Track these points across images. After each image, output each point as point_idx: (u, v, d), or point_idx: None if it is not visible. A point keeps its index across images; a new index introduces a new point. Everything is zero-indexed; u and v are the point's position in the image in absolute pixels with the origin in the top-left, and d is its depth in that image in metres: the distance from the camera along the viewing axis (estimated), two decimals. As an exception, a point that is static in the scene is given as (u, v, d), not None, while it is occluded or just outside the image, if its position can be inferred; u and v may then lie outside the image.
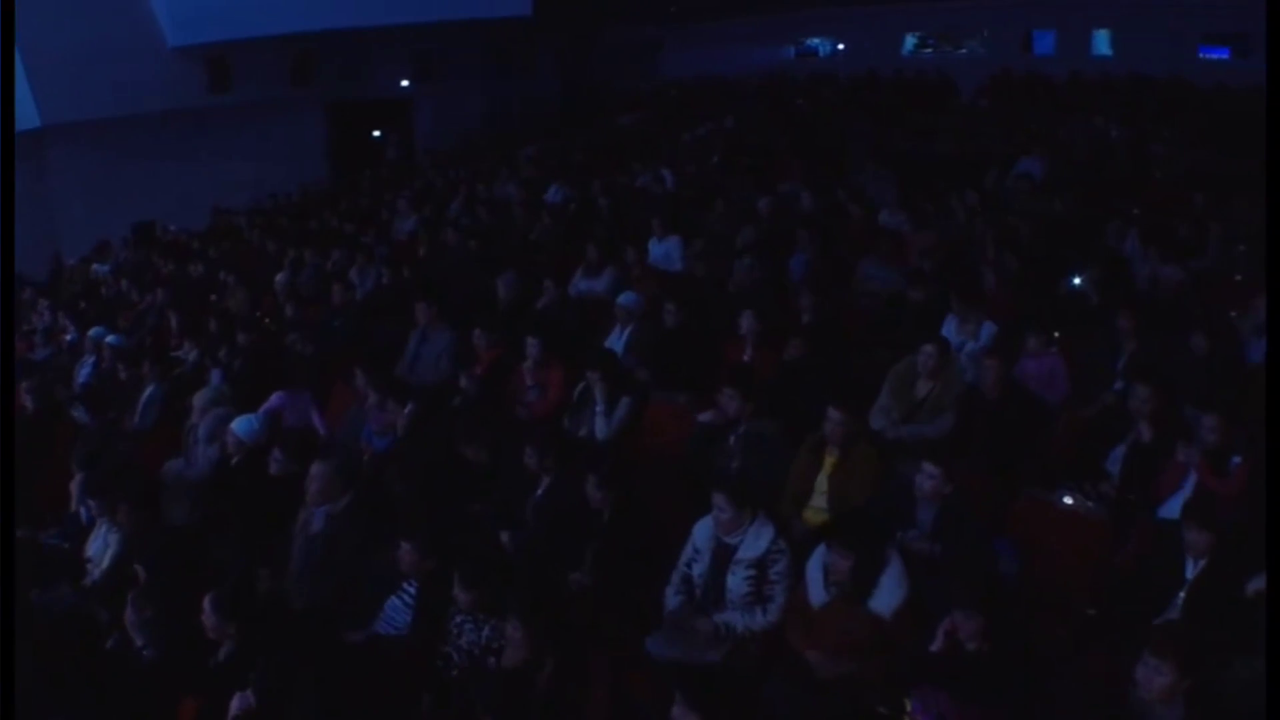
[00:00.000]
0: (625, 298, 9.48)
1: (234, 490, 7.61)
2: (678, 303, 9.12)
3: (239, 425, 7.90)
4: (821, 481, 6.80)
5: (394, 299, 11.71)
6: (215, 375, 10.27)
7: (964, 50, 24.34)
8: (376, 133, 27.15)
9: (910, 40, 24.69)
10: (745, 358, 8.64)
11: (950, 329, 8.88)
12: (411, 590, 5.92)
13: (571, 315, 10.25)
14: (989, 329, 8.82)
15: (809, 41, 26.53)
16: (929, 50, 24.65)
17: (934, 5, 23.27)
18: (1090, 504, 6.72)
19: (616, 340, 9.38)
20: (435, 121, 26.96)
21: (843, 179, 14.25)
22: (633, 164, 16.97)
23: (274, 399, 8.86)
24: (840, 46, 25.93)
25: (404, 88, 26.80)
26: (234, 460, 7.90)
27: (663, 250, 12.25)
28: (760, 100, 22.66)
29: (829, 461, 6.79)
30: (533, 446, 6.73)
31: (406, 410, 7.96)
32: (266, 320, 12.42)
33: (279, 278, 13.09)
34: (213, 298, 13.88)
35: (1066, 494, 6.81)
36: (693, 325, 9.18)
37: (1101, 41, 22.30)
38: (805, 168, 15.13)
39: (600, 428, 7.85)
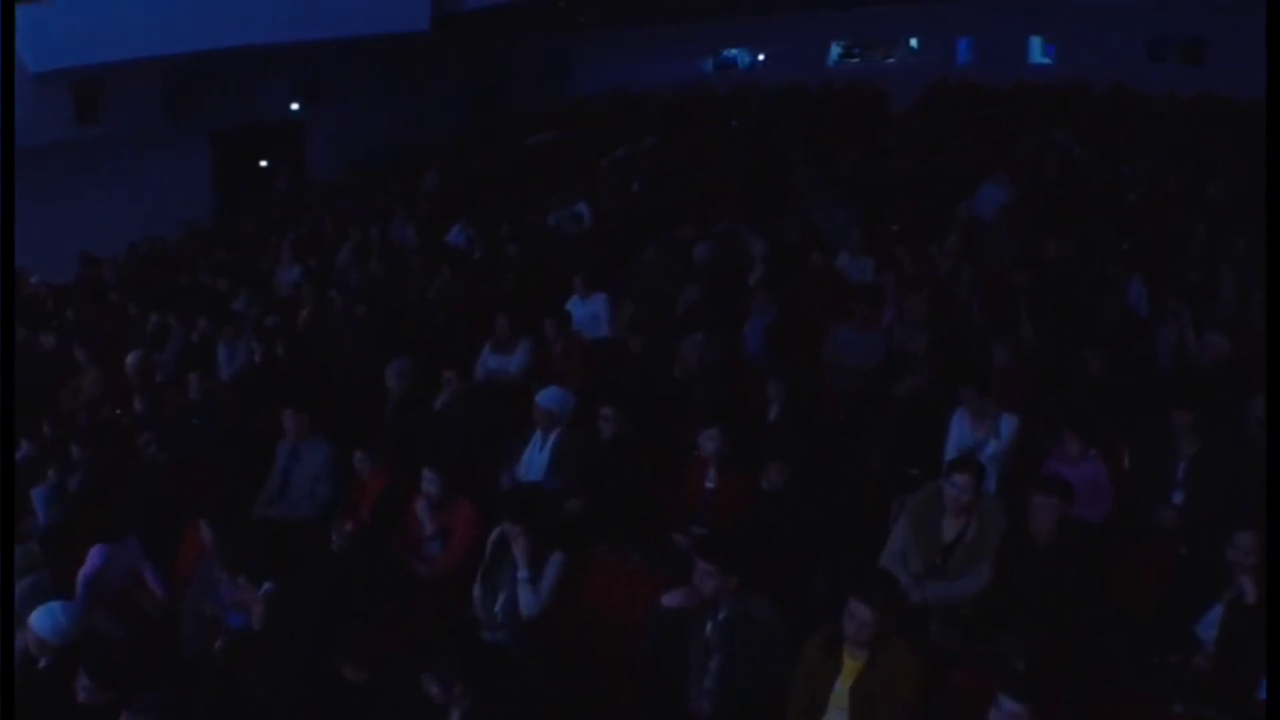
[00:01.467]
0: (548, 397, 7.35)
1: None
2: (616, 405, 7.03)
3: (40, 620, 5.55)
4: (841, 694, 4.81)
5: (264, 387, 9.53)
6: (38, 498, 8.04)
7: (893, 59, 22.57)
8: (264, 163, 24.52)
9: (836, 49, 22.85)
10: (709, 484, 6.60)
11: (961, 428, 6.96)
12: None
13: (478, 414, 8.09)
14: (1009, 424, 6.91)
15: (728, 52, 24.57)
16: (855, 60, 22.83)
17: (860, 12, 21.44)
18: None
19: (537, 452, 7.29)
20: (330, 147, 24.39)
21: (792, 213, 12.31)
22: (545, 197, 14.80)
23: (92, 558, 6.59)
24: (761, 57, 24.04)
25: (294, 111, 24.30)
26: (41, 664, 5.63)
27: (587, 312, 10.20)
28: (679, 116, 20.67)
29: (850, 666, 4.79)
30: (433, 674, 4.60)
31: (263, 591, 5.73)
32: (119, 414, 10.12)
33: (130, 358, 10.68)
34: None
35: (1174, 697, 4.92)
36: (637, 433, 7.13)
37: (1040, 48, 20.65)
38: (745, 199, 13.15)
39: (526, 600, 5.73)
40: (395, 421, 8.23)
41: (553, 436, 7.25)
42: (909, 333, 8.11)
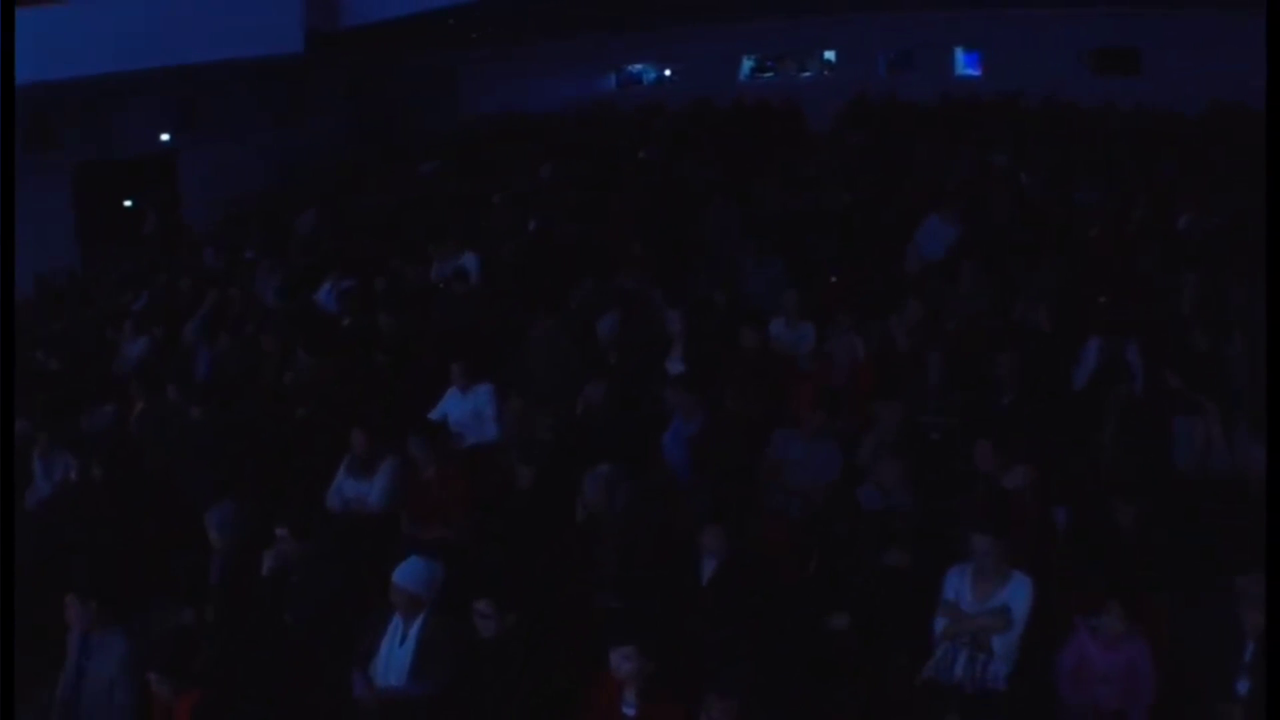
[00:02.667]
0: (407, 573, 5.38)
1: None
2: (498, 600, 5.11)
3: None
4: None
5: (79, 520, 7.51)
6: None
7: (808, 73, 20.82)
8: (129, 202, 22.01)
9: (747, 63, 21.04)
10: (628, 711, 4.72)
11: (962, 589, 5.21)
12: None
13: (325, 578, 6.11)
14: (1024, 588, 5.18)
15: (632, 68, 22.63)
16: (769, 74, 21.04)
17: (773, 23, 19.67)
18: None
19: (397, 646, 5.36)
20: (206, 183, 21.89)
21: (710, 266, 10.49)
22: (429, 243, 12.74)
23: None
24: (668, 72, 22.16)
25: (164, 143, 21.91)
26: None
27: (468, 409, 8.28)
28: (580, 140, 18.73)
29: None
30: None
31: None
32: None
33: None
34: None
35: None
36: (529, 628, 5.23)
37: (966, 59, 19.06)
38: (655, 245, 11.29)
39: None
40: (217, 596, 6.25)
41: (416, 625, 5.35)
42: (877, 453, 6.28)
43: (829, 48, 20.21)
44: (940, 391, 7.26)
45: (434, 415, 8.36)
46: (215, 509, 6.50)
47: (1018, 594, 5.11)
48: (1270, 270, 6.62)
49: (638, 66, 22.47)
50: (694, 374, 7.64)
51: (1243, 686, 4.84)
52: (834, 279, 9.90)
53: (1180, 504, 6.34)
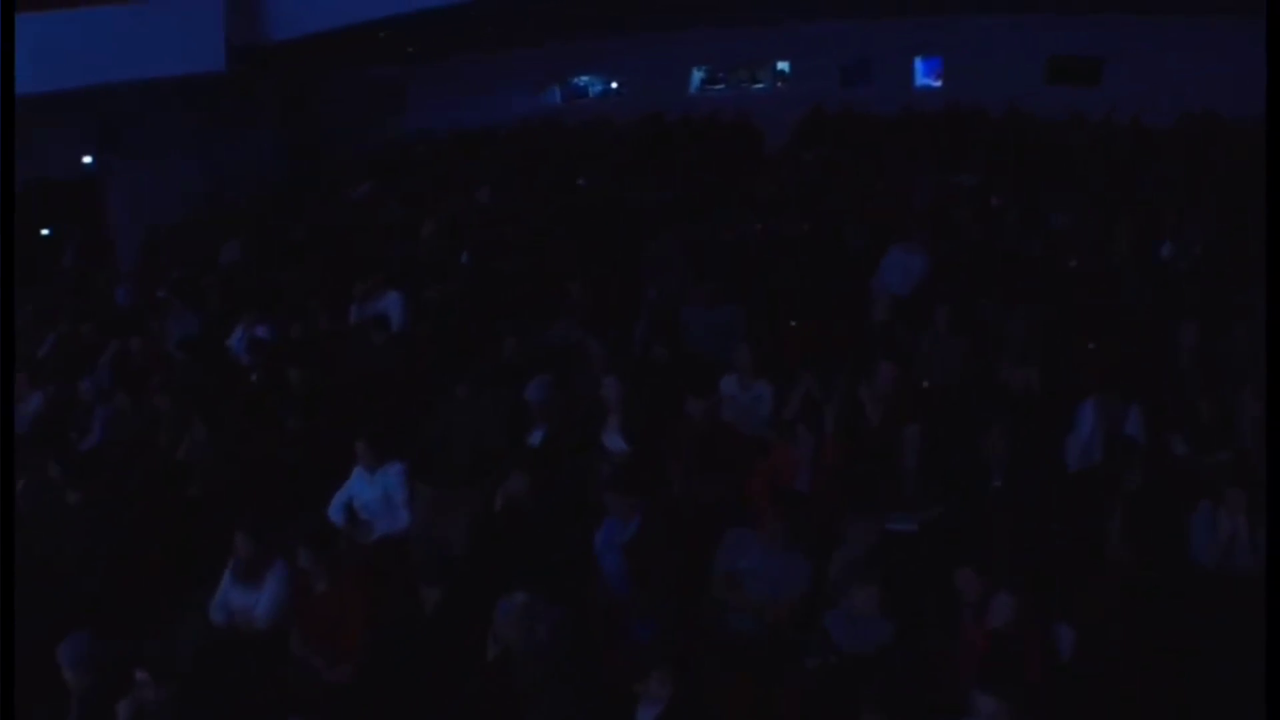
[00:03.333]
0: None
1: None
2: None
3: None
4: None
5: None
6: None
7: (761, 85, 19.75)
8: (47, 230, 20.47)
9: (698, 75, 19.93)
10: None
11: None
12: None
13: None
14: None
15: (578, 80, 21.47)
16: (720, 86, 19.94)
17: (724, 32, 18.58)
18: None
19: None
20: (132, 209, 20.29)
21: (653, 313, 9.40)
22: (355, 277, 11.50)
23: None
24: (615, 85, 21.03)
25: (87, 166, 20.43)
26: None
27: (378, 491, 7.15)
28: (521, 158, 17.58)
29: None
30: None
31: None
32: None
33: None
34: None
35: None
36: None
37: (925, 69, 18.08)
38: (593, 285, 10.17)
39: None
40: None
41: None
42: (847, 572, 5.19)
43: (782, 58, 19.13)
44: (918, 478, 6.20)
45: (340, 498, 7.29)
46: (71, 641, 5.34)
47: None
48: (1270, 268, 6.05)
49: (584, 79, 21.30)
50: (633, 457, 6.54)
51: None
52: (793, 324, 8.81)
53: (1201, 609, 5.38)
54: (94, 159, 20.27)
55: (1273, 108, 6.93)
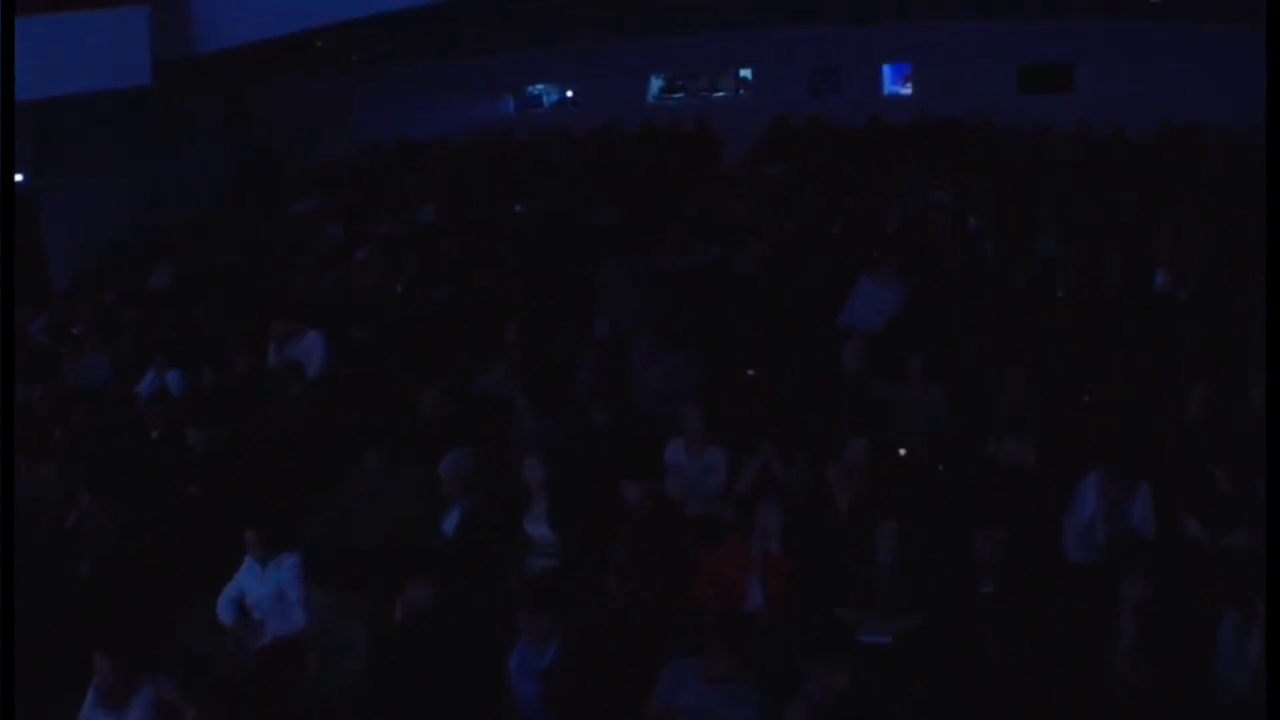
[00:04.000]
0: None
1: None
2: None
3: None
4: None
5: None
6: None
7: (723, 93, 18.67)
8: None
9: (656, 83, 18.84)
10: None
11: None
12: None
13: None
14: None
15: (532, 89, 20.33)
16: (680, 95, 18.84)
17: (683, 38, 17.49)
18: None
19: None
20: (69, 229, 18.99)
21: (594, 359, 8.37)
22: (275, 320, 10.36)
23: None
24: (570, 94, 19.91)
25: (20, 184, 19.09)
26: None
27: (270, 588, 6.10)
28: (470, 173, 16.53)
29: None
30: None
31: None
32: None
33: None
34: None
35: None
36: None
37: (894, 76, 17.06)
38: (531, 329, 9.14)
39: None
40: None
41: None
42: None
43: (745, 65, 18.08)
44: (894, 579, 5.19)
45: (228, 593, 6.25)
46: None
47: None
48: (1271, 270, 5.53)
49: (539, 87, 20.19)
50: (559, 549, 5.51)
51: None
52: (751, 373, 7.80)
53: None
54: (27, 177, 19.01)
55: (1273, 111, 6.27)
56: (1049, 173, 12.31)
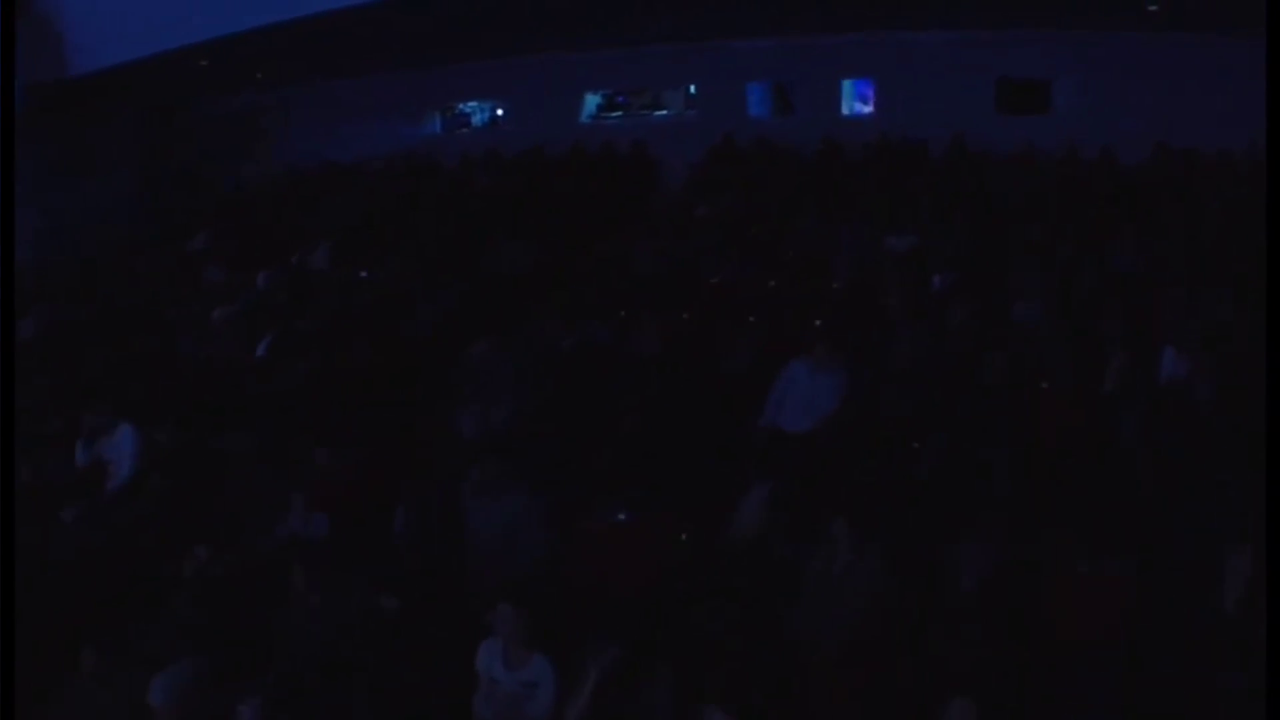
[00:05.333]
0: None
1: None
2: None
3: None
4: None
5: None
6: None
7: (665, 111, 16.46)
8: None
9: (593, 100, 16.63)
10: None
11: None
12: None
13: None
14: None
15: (464, 106, 18.09)
16: (618, 115, 16.63)
17: (622, 51, 15.30)
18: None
19: None
20: None
21: (421, 494, 6.19)
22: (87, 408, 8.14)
23: None
24: (500, 113, 17.68)
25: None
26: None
27: None
28: (379, 205, 14.43)
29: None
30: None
31: None
32: None
33: None
34: None
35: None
36: None
37: (855, 93, 14.86)
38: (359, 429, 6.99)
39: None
40: None
41: None
42: None
43: (689, 81, 15.85)
44: None
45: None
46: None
47: None
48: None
49: (471, 105, 17.98)
50: None
51: None
52: (623, 518, 5.59)
53: None
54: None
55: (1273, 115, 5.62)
56: (1029, 209, 10.20)
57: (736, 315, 8.35)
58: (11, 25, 12.63)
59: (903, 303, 7.84)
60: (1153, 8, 11.36)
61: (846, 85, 14.63)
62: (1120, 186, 11.20)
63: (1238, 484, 5.14)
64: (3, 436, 6.53)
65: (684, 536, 5.31)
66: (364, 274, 11.33)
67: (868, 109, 14.58)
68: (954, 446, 6.15)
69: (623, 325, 7.98)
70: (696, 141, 14.20)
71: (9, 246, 10.76)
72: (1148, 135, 12.02)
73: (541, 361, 7.64)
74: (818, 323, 7.90)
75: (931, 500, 5.66)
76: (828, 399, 6.79)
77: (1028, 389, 6.76)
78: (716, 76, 15.11)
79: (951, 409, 6.56)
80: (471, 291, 9.08)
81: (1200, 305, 7.52)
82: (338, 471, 6.15)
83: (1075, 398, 6.56)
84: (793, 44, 14.33)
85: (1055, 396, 6.63)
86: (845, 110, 14.62)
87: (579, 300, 8.64)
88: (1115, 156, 11.87)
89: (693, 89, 15.77)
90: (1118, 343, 7.04)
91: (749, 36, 14.53)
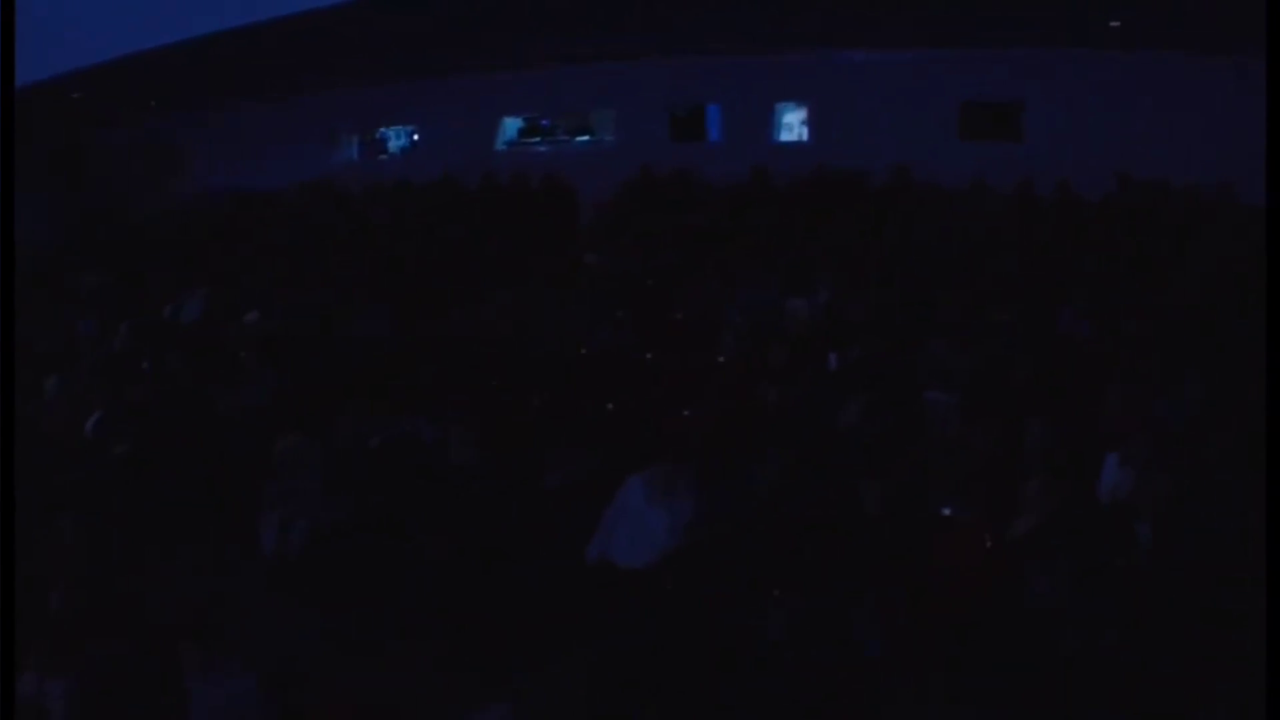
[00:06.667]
0: None
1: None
2: None
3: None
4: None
5: None
6: None
7: (586, 138, 14.82)
8: None
9: (512, 126, 14.95)
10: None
11: None
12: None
13: None
14: None
15: (383, 132, 16.48)
16: (538, 140, 14.93)
17: (541, 74, 13.65)
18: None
19: None
20: None
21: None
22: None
23: None
24: (416, 138, 16.06)
25: None
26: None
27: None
28: (281, 238, 12.84)
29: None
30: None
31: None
32: None
33: None
34: None
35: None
36: None
37: (789, 118, 13.14)
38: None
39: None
40: None
41: None
42: None
43: (610, 105, 14.17)
44: None
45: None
46: None
47: None
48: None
49: (387, 130, 16.34)
50: None
51: None
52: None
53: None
54: None
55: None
56: (978, 247, 8.54)
57: (597, 395, 6.72)
58: (11, 25, 11.00)
59: (781, 399, 6.15)
60: (1114, 24, 9.87)
61: (781, 109, 12.94)
62: (1080, 223, 9.58)
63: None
64: (3, 436, 6.06)
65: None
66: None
67: (802, 138, 12.85)
68: (813, 605, 4.55)
69: (446, 420, 6.30)
70: (615, 171, 12.58)
71: (9, 247, 9.70)
72: (1108, 164, 10.46)
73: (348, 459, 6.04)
74: (684, 413, 6.25)
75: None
76: (665, 533, 5.15)
77: (919, 518, 5.09)
78: (638, 99, 13.45)
79: (819, 547, 4.92)
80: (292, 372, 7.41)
81: (1165, 393, 5.87)
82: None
83: (977, 535, 4.90)
84: (722, 63, 12.70)
85: (954, 532, 4.96)
86: (778, 138, 12.92)
87: (412, 382, 6.99)
88: (1074, 191, 10.21)
89: (612, 114, 14.08)
90: (1044, 455, 5.37)
91: (675, 55, 12.90)
